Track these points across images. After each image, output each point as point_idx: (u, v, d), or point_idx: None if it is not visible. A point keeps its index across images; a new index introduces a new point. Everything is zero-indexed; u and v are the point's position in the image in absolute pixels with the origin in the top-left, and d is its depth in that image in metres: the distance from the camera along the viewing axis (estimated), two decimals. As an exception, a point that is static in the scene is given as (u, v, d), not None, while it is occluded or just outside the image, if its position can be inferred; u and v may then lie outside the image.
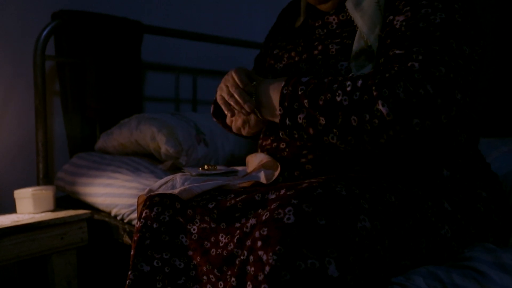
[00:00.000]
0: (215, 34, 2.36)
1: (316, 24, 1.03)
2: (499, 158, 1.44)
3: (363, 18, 0.91)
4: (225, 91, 0.98)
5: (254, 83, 0.97)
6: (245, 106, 0.94)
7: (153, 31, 2.12)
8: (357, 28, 0.92)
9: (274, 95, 0.91)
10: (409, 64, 0.80)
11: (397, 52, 0.83)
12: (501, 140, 1.64)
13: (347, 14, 0.96)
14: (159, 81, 2.30)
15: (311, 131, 0.85)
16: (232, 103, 0.96)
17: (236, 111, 0.98)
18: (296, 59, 1.02)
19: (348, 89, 0.81)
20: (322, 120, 0.83)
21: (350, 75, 0.85)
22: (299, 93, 0.86)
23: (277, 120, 0.91)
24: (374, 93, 0.78)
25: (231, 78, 0.98)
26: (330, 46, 0.96)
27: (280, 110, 0.88)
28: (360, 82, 0.80)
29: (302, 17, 1.10)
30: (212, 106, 1.21)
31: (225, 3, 2.56)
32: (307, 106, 0.84)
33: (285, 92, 0.88)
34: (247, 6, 2.67)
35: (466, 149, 0.94)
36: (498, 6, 2.38)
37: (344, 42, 0.94)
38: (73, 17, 1.83)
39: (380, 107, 0.77)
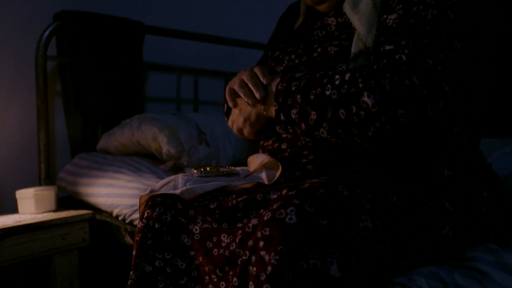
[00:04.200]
0: (217, 34, 2.37)
1: (315, 26, 1.03)
2: (501, 159, 1.44)
3: (360, 20, 0.92)
4: (237, 83, 1.00)
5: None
6: (256, 93, 0.95)
7: (154, 32, 2.13)
8: (355, 30, 0.92)
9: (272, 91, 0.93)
10: (397, 57, 0.81)
11: (387, 47, 0.84)
12: (502, 141, 1.64)
13: (345, 16, 0.96)
14: (161, 81, 2.31)
15: (303, 126, 0.87)
16: (241, 93, 0.98)
17: (239, 102, 1.01)
18: (296, 61, 1.03)
19: (337, 82, 0.83)
20: (313, 115, 0.85)
21: (340, 68, 0.87)
22: (293, 88, 0.88)
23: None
24: (360, 85, 0.79)
25: (249, 71, 1.00)
26: (329, 48, 0.96)
27: (275, 105, 0.90)
28: (348, 75, 0.82)
29: (301, 18, 1.11)
30: (225, 105, 1.20)
31: (227, 3, 2.56)
32: (299, 101, 0.87)
33: (280, 88, 0.90)
34: (248, 7, 2.67)
35: (467, 150, 0.94)
36: (498, 7, 2.38)
37: (342, 44, 0.95)
38: (75, 18, 1.84)
39: (366, 98, 0.78)
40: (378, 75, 0.79)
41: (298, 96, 0.87)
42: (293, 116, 0.88)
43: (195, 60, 2.40)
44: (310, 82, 0.86)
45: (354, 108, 0.80)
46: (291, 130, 0.91)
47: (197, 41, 2.31)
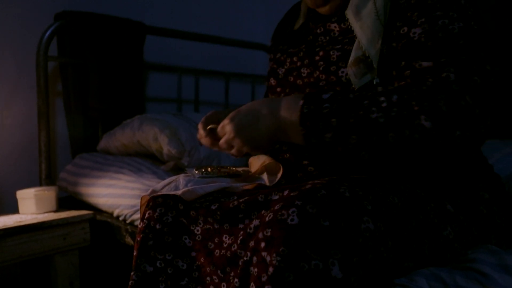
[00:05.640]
0: (217, 35, 2.37)
1: (318, 31, 1.03)
2: (501, 160, 1.43)
3: (362, 28, 0.90)
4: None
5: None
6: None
7: (155, 32, 2.13)
8: (356, 37, 0.91)
9: (290, 114, 0.86)
10: (444, 75, 0.79)
11: (425, 64, 0.82)
12: (503, 142, 1.64)
13: (348, 22, 0.96)
14: (161, 81, 2.31)
15: (339, 149, 0.83)
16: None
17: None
18: (298, 64, 1.02)
19: (384, 105, 0.79)
20: (353, 139, 0.80)
21: (379, 89, 0.83)
22: (324, 111, 0.82)
23: (295, 141, 0.88)
24: (415, 108, 0.76)
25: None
26: (331, 52, 0.95)
27: (302, 130, 0.84)
28: (395, 97, 0.79)
29: (301, 19, 1.10)
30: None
31: (227, 4, 2.57)
32: (335, 125, 0.81)
33: (306, 111, 0.84)
34: (249, 7, 2.67)
35: (468, 151, 0.94)
36: (499, 7, 2.38)
37: (345, 48, 0.94)
38: (76, 18, 1.84)
39: (423, 122, 0.76)
40: (432, 96, 0.76)
41: (333, 120, 0.81)
42: (327, 140, 0.82)
43: (195, 60, 2.40)
44: (346, 104, 0.81)
45: (407, 131, 0.77)
46: (325, 153, 0.86)
47: (197, 41, 2.31)
